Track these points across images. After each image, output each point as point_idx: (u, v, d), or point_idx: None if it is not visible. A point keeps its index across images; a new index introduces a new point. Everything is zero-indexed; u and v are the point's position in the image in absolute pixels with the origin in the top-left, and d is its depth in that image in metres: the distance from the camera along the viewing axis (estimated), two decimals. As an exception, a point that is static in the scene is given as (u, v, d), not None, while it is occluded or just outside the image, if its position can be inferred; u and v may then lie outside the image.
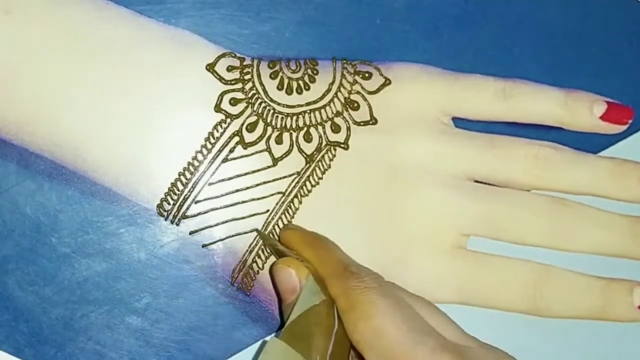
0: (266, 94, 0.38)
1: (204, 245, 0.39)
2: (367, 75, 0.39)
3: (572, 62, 0.41)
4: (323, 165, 0.38)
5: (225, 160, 0.38)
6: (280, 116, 0.38)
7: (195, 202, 0.38)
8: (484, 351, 0.32)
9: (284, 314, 0.35)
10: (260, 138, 0.38)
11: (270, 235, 0.38)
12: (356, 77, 0.39)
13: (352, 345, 0.32)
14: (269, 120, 0.38)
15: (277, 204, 0.38)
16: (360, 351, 0.32)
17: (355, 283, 0.32)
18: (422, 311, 0.33)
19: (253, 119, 0.38)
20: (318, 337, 0.32)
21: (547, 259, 0.39)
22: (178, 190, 0.38)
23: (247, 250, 0.38)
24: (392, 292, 0.33)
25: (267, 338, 0.32)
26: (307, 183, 0.38)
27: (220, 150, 0.38)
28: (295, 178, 0.38)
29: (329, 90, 0.39)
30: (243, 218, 0.38)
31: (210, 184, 0.38)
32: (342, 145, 0.38)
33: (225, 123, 0.38)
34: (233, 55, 0.39)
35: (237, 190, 0.38)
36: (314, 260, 0.35)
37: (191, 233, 0.39)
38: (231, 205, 0.38)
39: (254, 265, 0.38)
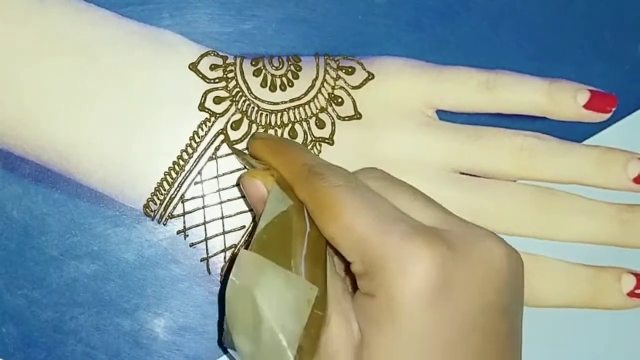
0: (250, 91, 0.38)
1: (191, 245, 0.39)
2: (350, 70, 0.39)
3: (555, 51, 0.41)
4: (309, 162, 0.38)
5: (210, 158, 0.38)
6: (264, 113, 0.38)
7: (182, 202, 0.38)
8: (463, 230, 0.31)
9: None
10: (246, 135, 0.38)
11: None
12: (339, 73, 0.39)
13: (329, 244, 0.32)
14: (253, 118, 0.38)
15: (264, 201, 0.38)
16: (336, 249, 0.32)
17: (321, 184, 0.32)
18: (400, 197, 0.32)
19: (237, 116, 0.38)
20: (289, 242, 0.32)
21: (535, 248, 0.39)
22: (164, 190, 0.38)
23: (235, 249, 0.38)
24: (360, 186, 0.32)
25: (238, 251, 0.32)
26: (294, 179, 0.38)
27: (205, 149, 0.38)
28: (281, 174, 0.38)
29: (312, 86, 0.39)
30: (230, 216, 0.38)
31: (197, 182, 0.38)
32: (327, 141, 0.38)
33: (209, 122, 0.38)
34: (216, 53, 0.39)
35: (223, 189, 0.38)
36: (280, 167, 0.34)
37: (178, 232, 0.39)
38: (218, 203, 0.38)
39: (243, 263, 0.38)
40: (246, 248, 0.32)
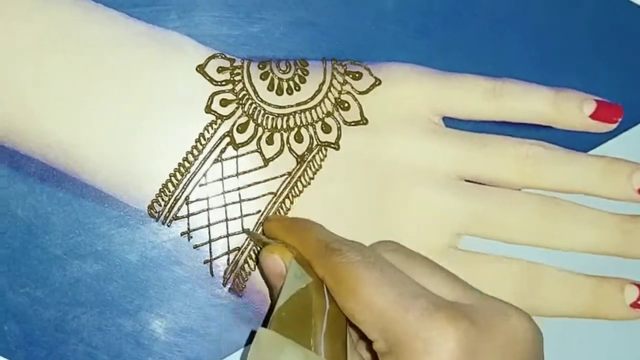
0: (256, 94, 0.38)
1: (195, 247, 0.39)
2: (357, 75, 0.39)
3: (561, 60, 0.41)
4: (314, 166, 0.38)
5: (216, 161, 0.38)
6: (270, 117, 0.38)
7: (187, 203, 0.38)
8: (485, 305, 0.31)
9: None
10: (251, 139, 0.38)
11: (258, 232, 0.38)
12: (346, 77, 0.39)
13: (349, 321, 0.32)
14: (259, 121, 0.38)
15: (268, 204, 0.38)
16: (356, 325, 0.31)
17: (338, 260, 0.32)
18: (418, 271, 0.32)
19: (244, 119, 0.38)
20: (308, 320, 0.31)
21: (538, 257, 0.39)
22: (169, 191, 0.38)
23: (238, 252, 0.38)
24: (377, 261, 0.32)
25: (257, 329, 0.32)
26: (299, 183, 0.38)
27: (211, 151, 0.38)
28: (286, 178, 0.38)
29: (319, 91, 0.39)
30: (234, 219, 0.38)
31: (202, 185, 0.38)
32: (333, 146, 0.38)
33: (215, 124, 0.38)
34: (223, 56, 0.39)
35: (228, 191, 0.38)
36: (297, 245, 0.34)
37: (182, 234, 0.39)
38: (222, 206, 0.38)
39: (246, 266, 0.38)
40: (264, 325, 0.32)
